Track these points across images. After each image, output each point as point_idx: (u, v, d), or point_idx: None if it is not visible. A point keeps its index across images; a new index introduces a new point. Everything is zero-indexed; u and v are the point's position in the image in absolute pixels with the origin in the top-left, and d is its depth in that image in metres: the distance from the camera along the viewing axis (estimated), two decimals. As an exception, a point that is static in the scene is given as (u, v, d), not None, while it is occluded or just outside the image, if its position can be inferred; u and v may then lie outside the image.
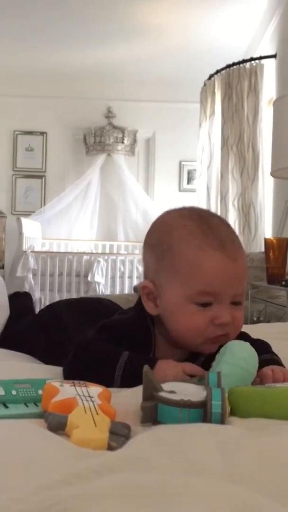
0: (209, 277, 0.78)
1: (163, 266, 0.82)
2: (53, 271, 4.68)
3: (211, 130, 4.52)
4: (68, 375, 0.75)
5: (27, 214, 5.33)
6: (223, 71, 4.19)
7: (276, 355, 0.91)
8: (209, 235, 0.79)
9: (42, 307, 4.44)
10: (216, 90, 4.36)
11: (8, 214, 5.31)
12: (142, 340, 0.85)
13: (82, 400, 0.58)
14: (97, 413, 0.56)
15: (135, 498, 0.35)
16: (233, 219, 4.07)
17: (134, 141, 5.57)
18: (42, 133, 5.59)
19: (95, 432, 0.52)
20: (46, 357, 1.03)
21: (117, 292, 4.62)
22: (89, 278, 4.63)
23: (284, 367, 0.88)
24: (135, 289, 3.66)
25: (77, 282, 4.70)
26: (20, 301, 1.37)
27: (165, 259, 0.82)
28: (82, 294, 4.59)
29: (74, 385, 0.62)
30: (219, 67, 4.18)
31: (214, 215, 0.86)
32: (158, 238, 0.85)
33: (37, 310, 1.39)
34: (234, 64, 4.06)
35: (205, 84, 4.57)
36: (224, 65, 4.12)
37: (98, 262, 4.65)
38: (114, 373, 0.74)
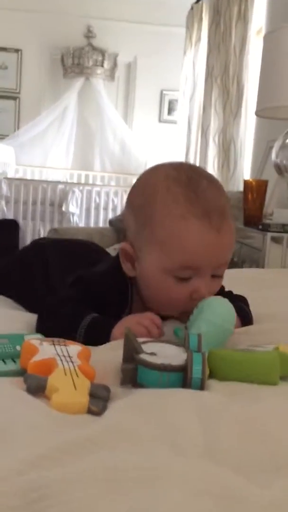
0: (191, 251, 0.74)
1: (144, 233, 0.78)
2: (27, 199, 4.59)
3: (196, 59, 4.33)
4: (39, 332, 0.75)
5: (0, 138, 5.12)
6: (212, -5, 3.95)
7: (249, 310, 0.91)
8: (194, 203, 0.74)
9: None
10: (203, 15, 4.13)
11: (-21, 137, 5.10)
12: (118, 297, 0.83)
13: (61, 360, 0.58)
14: (77, 375, 0.55)
15: (118, 483, 0.35)
16: (212, 155, 4.01)
17: (114, 65, 5.31)
18: (16, 50, 5.25)
19: (75, 396, 0.52)
20: (23, 300, 1.02)
21: (92, 224, 4.58)
22: (63, 208, 4.56)
23: (250, 317, 0.90)
24: (111, 222, 3.63)
25: (51, 212, 4.63)
26: (4, 234, 1.33)
27: (146, 226, 0.78)
28: (56, 224, 4.54)
29: (53, 344, 0.62)
30: (208, -10, 3.94)
31: (204, 176, 0.79)
32: (141, 202, 0.79)
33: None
34: (224, -13, 3.82)
35: (192, 8, 4.32)
36: (214, -12, 3.87)
37: (73, 192, 4.57)
38: (75, 336, 0.74)
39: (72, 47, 5.16)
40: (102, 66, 5.22)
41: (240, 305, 0.89)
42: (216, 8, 3.94)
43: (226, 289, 0.95)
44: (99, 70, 5.22)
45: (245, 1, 3.81)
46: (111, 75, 5.32)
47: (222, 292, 0.92)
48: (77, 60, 5.17)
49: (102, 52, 5.20)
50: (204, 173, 0.82)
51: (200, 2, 4.16)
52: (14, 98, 5.32)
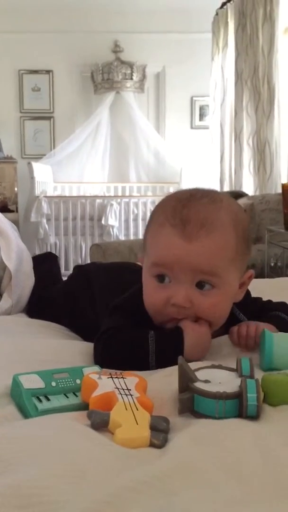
0: (159, 249, 0.80)
1: (143, 242, 0.87)
2: (67, 216, 4.69)
3: (224, 64, 4.33)
4: (105, 366, 0.77)
5: (38, 157, 5.26)
6: (237, -2, 3.95)
7: None
8: (176, 214, 0.79)
9: (58, 251, 4.52)
10: (229, 20, 4.13)
11: (18, 158, 5.25)
12: (150, 321, 0.84)
13: (121, 394, 0.61)
14: (137, 409, 0.58)
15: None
16: (247, 159, 3.99)
17: (143, 76, 5.36)
18: (48, 72, 5.39)
19: (137, 431, 0.54)
20: (75, 328, 1.06)
21: (132, 235, 4.63)
22: (103, 222, 4.64)
23: None
24: (150, 233, 3.66)
25: (91, 226, 4.71)
26: (46, 266, 1.37)
27: (144, 236, 0.86)
28: (97, 238, 4.62)
29: (111, 377, 0.64)
30: (232, -6, 3.93)
31: (208, 195, 0.81)
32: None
33: (55, 253, 1.46)
34: (248, -10, 3.81)
35: (217, 14, 4.33)
36: (237, -8, 3.86)
37: (111, 205, 4.64)
38: (148, 358, 0.77)
39: (100, 63, 5.26)
40: (131, 79, 5.28)
41: (276, 314, 0.90)
42: (242, 11, 3.94)
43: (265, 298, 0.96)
44: (128, 83, 5.29)
45: (270, 1, 3.79)
46: (140, 87, 5.37)
47: (259, 304, 0.93)
48: (106, 76, 5.26)
49: (131, 65, 5.27)
50: (212, 194, 0.83)
51: (225, 7, 4.16)
52: (49, 118, 5.46)
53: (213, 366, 0.70)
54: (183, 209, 0.78)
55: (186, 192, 0.84)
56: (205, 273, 0.78)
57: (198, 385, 0.62)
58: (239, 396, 0.60)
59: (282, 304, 0.95)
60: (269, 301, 0.96)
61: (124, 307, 0.87)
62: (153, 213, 0.85)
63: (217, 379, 0.64)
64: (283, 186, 2.37)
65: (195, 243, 0.77)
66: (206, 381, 0.64)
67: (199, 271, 0.77)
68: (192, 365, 0.68)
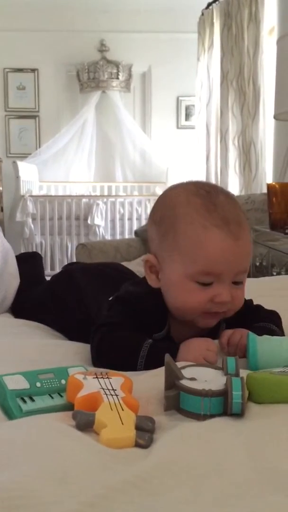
0: (212, 258, 0.78)
1: (166, 242, 0.83)
2: (53, 215, 4.67)
3: (210, 64, 4.34)
4: (96, 361, 0.79)
5: (23, 156, 5.22)
6: (222, -1, 3.96)
7: (277, 327, 0.90)
8: (213, 213, 0.79)
9: (43, 251, 4.51)
10: (214, 20, 4.14)
11: (3, 157, 5.20)
12: (156, 316, 0.86)
13: (106, 394, 0.60)
14: (122, 409, 0.58)
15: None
16: (233, 159, 4.00)
17: (129, 76, 5.35)
18: (33, 70, 5.36)
19: (123, 431, 0.54)
20: (60, 327, 1.06)
21: (118, 235, 4.63)
22: (89, 221, 4.62)
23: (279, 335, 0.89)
24: (136, 233, 3.66)
25: (77, 226, 4.69)
26: (30, 264, 1.37)
27: (169, 235, 0.83)
28: (83, 237, 4.60)
29: (96, 377, 0.64)
30: (218, -5, 3.94)
31: (221, 192, 0.85)
32: (162, 214, 0.85)
33: (40, 253, 1.42)
34: (234, -9, 3.83)
35: (202, 14, 4.34)
36: (223, -8, 3.88)
37: (98, 204, 4.62)
38: (137, 361, 0.77)
39: (86, 62, 5.24)
40: (117, 78, 5.27)
41: (264, 325, 0.89)
42: (227, 12, 3.95)
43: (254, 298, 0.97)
44: (114, 83, 5.28)
45: (255, 2, 3.81)
46: (126, 86, 5.37)
47: (250, 306, 0.94)
48: (92, 75, 5.24)
49: (117, 65, 5.26)
50: (220, 189, 0.87)
51: (210, 8, 4.17)
52: (34, 117, 5.42)
53: (199, 364, 0.70)
54: (217, 208, 0.79)
55: (198, 187, 0.83)
56: (243, 272, 0.81)
57: (184, 382, 0.63)
58: (224, 394, 0.60)
59: (271, 312, 0.95)
60: (259, 307, 0.96)
61: (126, 300, 0.87)
62: (174, 210, 0.82)
63: (203, 377, 0.65)
64: (268, 186, 2.39)
65: (241, 243, 0.78)
66: (192, 379, 0.64)
67: (241, 271, 0.81)
68: (179, 363, 0.69)
